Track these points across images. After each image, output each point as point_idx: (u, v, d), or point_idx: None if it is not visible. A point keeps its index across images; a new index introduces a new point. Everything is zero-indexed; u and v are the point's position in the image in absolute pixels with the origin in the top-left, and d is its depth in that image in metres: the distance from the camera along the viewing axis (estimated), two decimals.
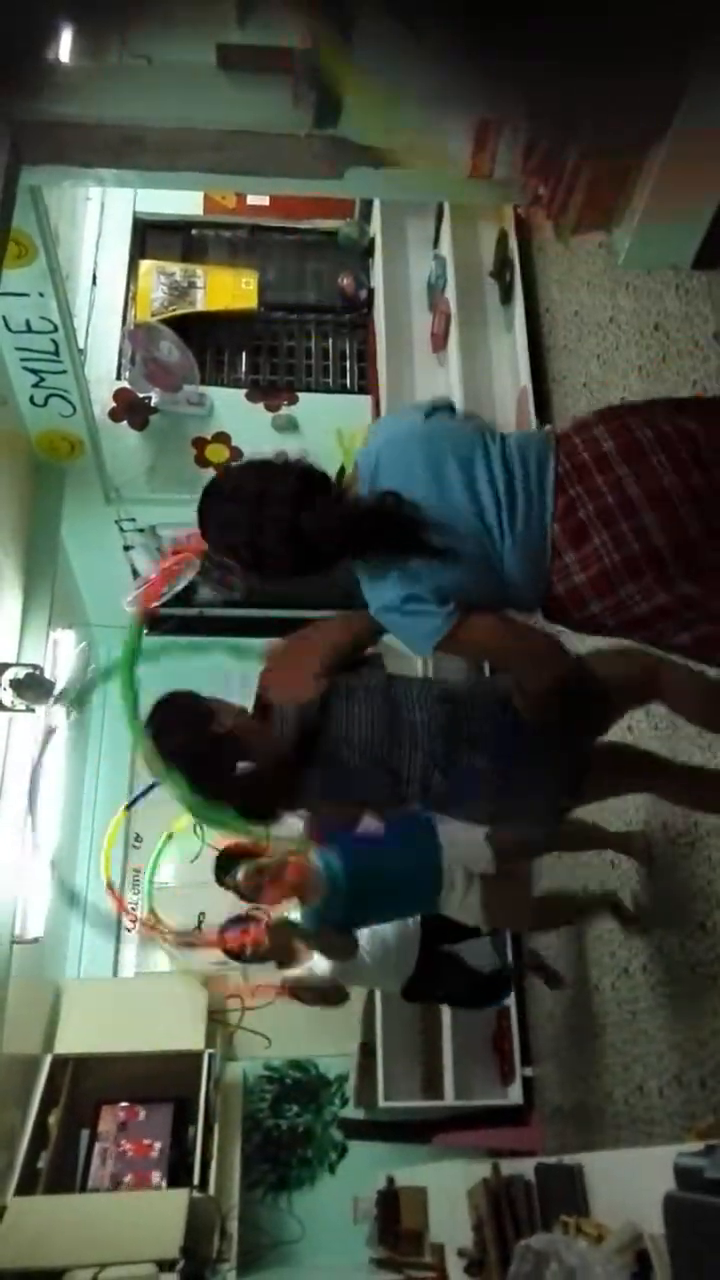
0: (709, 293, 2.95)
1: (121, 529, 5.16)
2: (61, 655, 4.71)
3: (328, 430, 5.02)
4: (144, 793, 3.74)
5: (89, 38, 4.64)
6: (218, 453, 5.16)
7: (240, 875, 3.20)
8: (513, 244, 4.69)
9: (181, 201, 5.36)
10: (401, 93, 2.85)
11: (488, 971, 4.13)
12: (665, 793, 2.71)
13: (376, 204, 5.34)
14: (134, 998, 5.13)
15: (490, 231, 4.90)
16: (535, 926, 3.81)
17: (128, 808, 4.01)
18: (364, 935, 3.70)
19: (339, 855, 3.17)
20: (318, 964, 3.72)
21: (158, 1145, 4.45)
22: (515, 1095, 4.52)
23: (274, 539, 1.73)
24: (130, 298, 5.22)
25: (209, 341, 5.36)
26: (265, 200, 5.39)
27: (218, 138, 3.03)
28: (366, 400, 5.35)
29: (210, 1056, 4.68)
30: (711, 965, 2.87)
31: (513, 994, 4.51)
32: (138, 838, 5.74)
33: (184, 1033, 4.77)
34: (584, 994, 3.89)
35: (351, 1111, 4.87)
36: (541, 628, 1.88)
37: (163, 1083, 4.57)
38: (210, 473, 5.11)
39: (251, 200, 5.40)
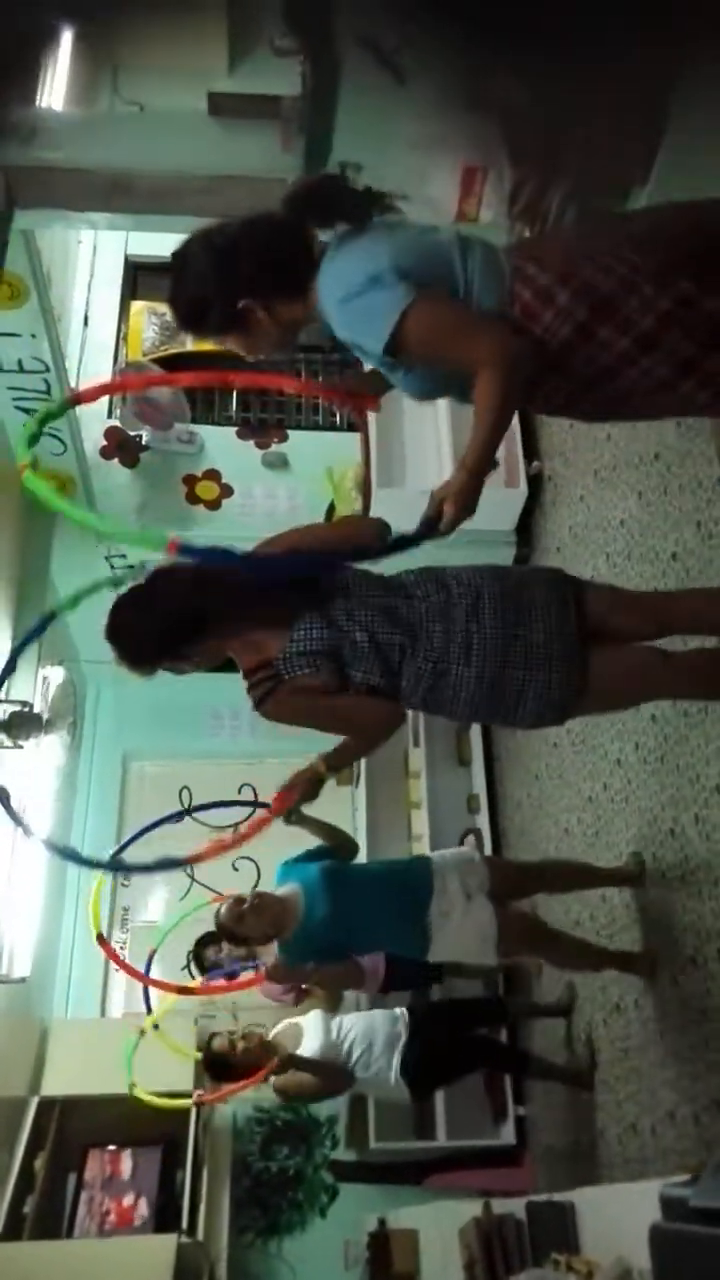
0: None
1: (111, 565, 5.17)
2: (51, 691, 4.70)
3: (318, 467, 5.07)
4: (131, 840, 3.72)
5: (82, 84, 4.74)
6: (208, 489, 5.19)
7: (223, 910, 3.13)
8: None
9: (173, 243, 5.43)
10: (389, 138, 2.92)
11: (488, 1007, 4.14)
12: None
13: None
14: (122, 1038, 5.06)
15: None
16: (545, 948, 3.53)
17: (111, 868, 3.94)
18: (352, 1038, 3.69)
19: (317, 869, 3.14)
20: (307, 1045, 3.67)
21: (145, 1189, 4.38)
22: (508, 1135, 4.48)
23: (251, 241, 1.82)
24: (122, 338, 5.27)
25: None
26: None
27: (208, 182, 3.09)
28: (356, 438, 5.40)
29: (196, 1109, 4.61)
30: (702, 999, 2.86)
31: (505, 1032, 4.49)
32: (126, 879, 5.70)
33: (173, 1074, 4.71)
34: (577, 1032, 3.86)
35: (343, 1153, 4.80)
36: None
37: (151, 1125, 4.49)
38: (201, 509, 5.16)
39: None
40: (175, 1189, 4.36)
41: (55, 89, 3.61)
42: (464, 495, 1.78)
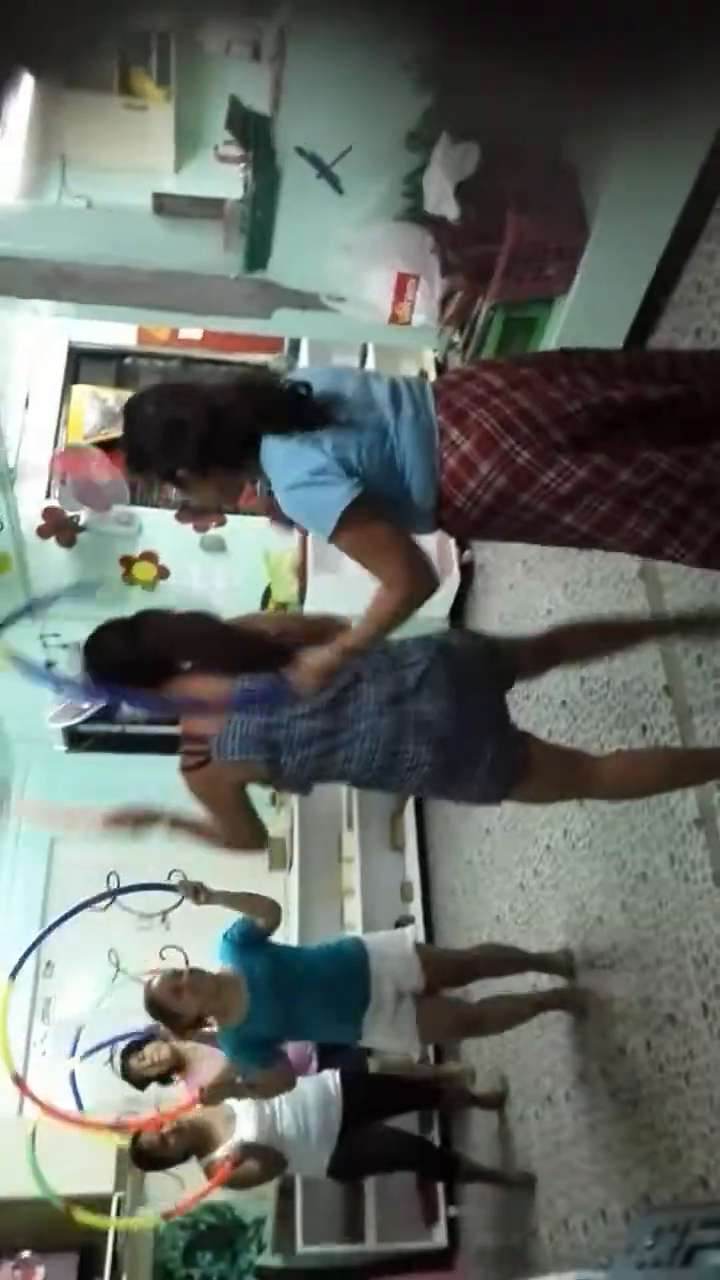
0: None
1: (45, 644, 5.13)
2: None
3: (255, 552, 5.12)
4: (56, 923, 3.62)
5: (31, 176, 4.87)
6: (144, 570, 5.21)
7: (156, 983, 3.00)
8: (432, 378, 4.92)
9: (116, 332, 5.54)
10: (327, 243, 3.05)
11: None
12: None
13: (304, 341, 5.58)
14: (38, 1138, 4.85)
15: (412, 367, 5.15)
16: (475, 1031, 3.62)
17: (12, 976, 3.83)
18: (285, 1116, 3.55)
19: (261, 961, 3.05)
20: (242, 1129, 3.53)
21: None
22: (440, 1237, 4.35)
23: (191, 431, 1.92)
24: (63, 421, 5.33)
25: None
26: (198, 334, 5.59)
27: (152, 277, 3.18)
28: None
29: (119, 1201, 4.41)
30: (632, 1091, 2.85)
31: (436, 1130, 4.40)
32: (49, 965, 5.54)
33: (92, 1175, 4.51)
34: (507, 1125, 3.81)
35: (269, 1258, 4.61)
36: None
37: (67, 1231, 4.28)
38: (138, 590, 5.17)
39: (184, 334, 5.60)
40: None
41: (4, 181, 3.73)
42: (325, 668, 2.03)
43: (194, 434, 1.92)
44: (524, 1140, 3.65)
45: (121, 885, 5.50)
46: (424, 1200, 4.47)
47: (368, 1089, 3.80)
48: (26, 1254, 4.28)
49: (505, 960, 3.53)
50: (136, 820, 2.41)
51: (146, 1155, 3.59)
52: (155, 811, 2.41)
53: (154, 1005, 3.03)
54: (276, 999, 2.98)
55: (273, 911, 3.14)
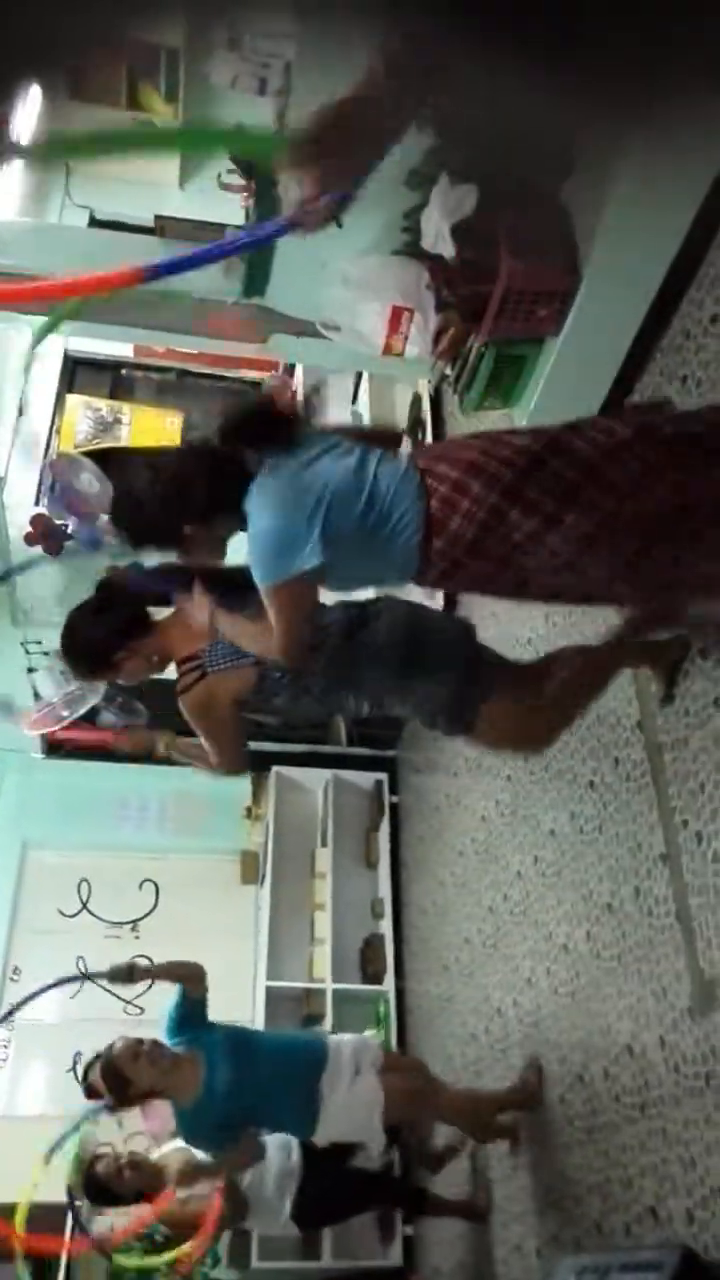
0: None
1: (27, 651, 5.15)
2: None
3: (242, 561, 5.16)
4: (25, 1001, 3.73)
5: (35, 187, 4.90)
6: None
7: (118, 1046, 3.02)
8: (425, 406, 4.99)
9: (112, 343, 5.58)
10: (325, 274, 3.10)
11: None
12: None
13: (299, 364, 5.65)
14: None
15: (405, 393, 5.22)
16: (432, 1112, 3.55)
17: None
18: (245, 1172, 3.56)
19: (216, 1038, 3.10)
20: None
21: None
22: (395, 1256, 4.39)
23: (183, 478, 2.05)
24: (55, 429, 5.36)
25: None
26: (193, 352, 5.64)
27: (151, 298, 3.22)
28: None
29: (75, 1208, 4.41)
30: (587, 1119, 2.90)
31: (396, 1156, 4.41)
32: (15, 970, 5.53)
33: (49, 1182, 4.50)
34: (467, 1149, 3.84)
35: (224, 1274, 4.62)
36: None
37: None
38: None
39: (180, 347, 5.64)
40: None
41: (8, 196, 3.77)
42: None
43: (203, 483, 2.05)
44: (480, 1163, 3.69)
45: (88, 898, 5.54)
46: (381, 1220, 4.50)
47: (328, 1155, 3.66)
48: None
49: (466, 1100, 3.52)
50: (137, 741, 2.64)
51: (99, 1187, 3.51)
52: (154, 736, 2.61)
53: (110, 1068, 3.01)
54: (237, 1071, 3.01)
55: (199, 977, 3.18)
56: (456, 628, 2.61)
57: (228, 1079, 2.99)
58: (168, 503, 2.07)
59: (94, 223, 5.26)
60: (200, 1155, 3.36)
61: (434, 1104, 3.40)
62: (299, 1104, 3.13)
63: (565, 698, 2.54)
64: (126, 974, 3.13)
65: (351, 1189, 3.81)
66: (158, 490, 2.08)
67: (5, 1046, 5.30)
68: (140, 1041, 3.02)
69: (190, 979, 3.15)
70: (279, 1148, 3.64)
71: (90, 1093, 3.11)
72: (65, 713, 5.08)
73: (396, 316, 2.94)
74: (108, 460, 2.14)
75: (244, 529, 2.08)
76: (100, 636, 2.41)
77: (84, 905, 5.61)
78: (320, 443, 2.10)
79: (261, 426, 2.09)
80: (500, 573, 2.06)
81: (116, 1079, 3.00)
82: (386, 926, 5.24)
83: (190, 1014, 3.14)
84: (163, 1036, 3.13)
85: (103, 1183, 3.47)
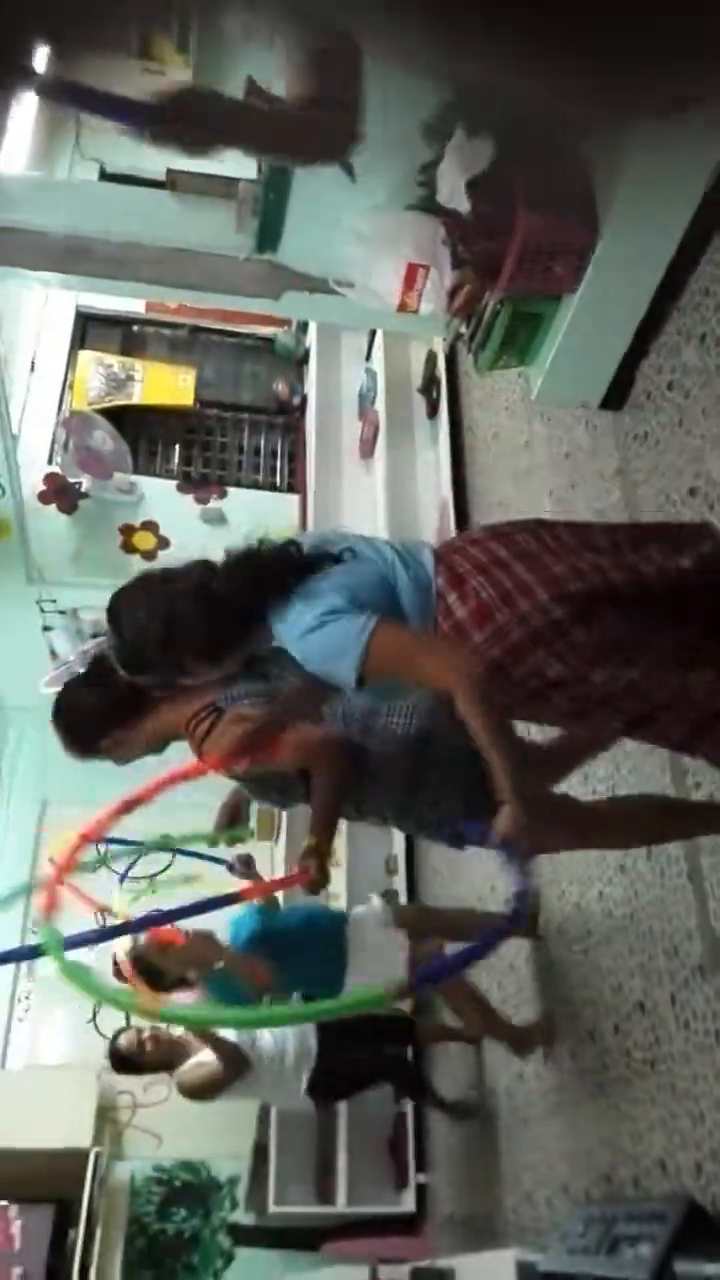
0: (613, 431, 3.17)
1: (42, 609, 5.17)
2: None
3: (254, 525, 5.10)
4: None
5: (44, 141, 4.82)
6: (144, 540, 5.24)
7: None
8: (440, 364, 4.95)
9: (124, 299, 5.54)
10: (338, 229, 3.05)
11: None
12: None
13: (312, 322, 5.59)
14: (19, 1091, 4.97)
15: (420, 350, 5.17)
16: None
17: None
18: (265, 1044, 3.70)
19: (245, 910, 3.25)
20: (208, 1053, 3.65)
21: (34, 1251, 4.28)
22: (408, 1203, 4.48)
23: (192, 630, 1.82)
24: (67, 386, 5.34)
25: (143, 433, 5.49)
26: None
27: (161, 254, 3.19)
28: (294, 499, 5.52)
29: (97, 1155, 4.53)
30: (599, 1073, 2.95)
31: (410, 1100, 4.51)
32: (36, 923, 5.62)
33: (70, 1130, 4.63)
34: (480, 1099, 3.91)
35: (242, 1216, 4.75)
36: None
37: (44, 1182, 4.41)
38: (136, 559, 5.21)
39: (192, 303, 5.59)
40: (66, 1250, 4.27)
41: (17, 149, 3.72)
42: (515, 821, 1.75)
43: (197, 622, 1.82)
44: (493, 1111, 3.76)
45: (106, 854, 5.57)
46: (395, 1166, 4.60)
47: (345, 1034, 3.86)
48: (2, 1204, 4.40)
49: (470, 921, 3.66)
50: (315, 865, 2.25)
51: (122, 1058, 3.67)
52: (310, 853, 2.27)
53: (141, 961, 3.16)
54: (261, 924, 3.22)
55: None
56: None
57: (251, 928, 3.17)
58: (167, 646, 1.86)
59: (104, 176, 5.19)
60: None
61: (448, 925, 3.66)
62: (328, 956, 3.32)
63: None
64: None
65: (362, 1064, 3.99)
66: (154, 629, 1.85)
67: (27, 998, 5.41)
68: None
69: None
70: (296, 1030, 3.80)
71: (117, 974, 3.25)
72: (81, 669, 5.11)
73: (411, 273, 2.89)
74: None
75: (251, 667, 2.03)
76: (87, 718, 2.25)
77: (102, 860, 5.68)
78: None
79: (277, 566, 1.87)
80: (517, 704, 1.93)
81: (148, 971, 3.15)
82: (400, 884, 5.28)
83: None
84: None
85: (125, 1053, 3.64)
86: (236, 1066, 3.66)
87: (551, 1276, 1.09)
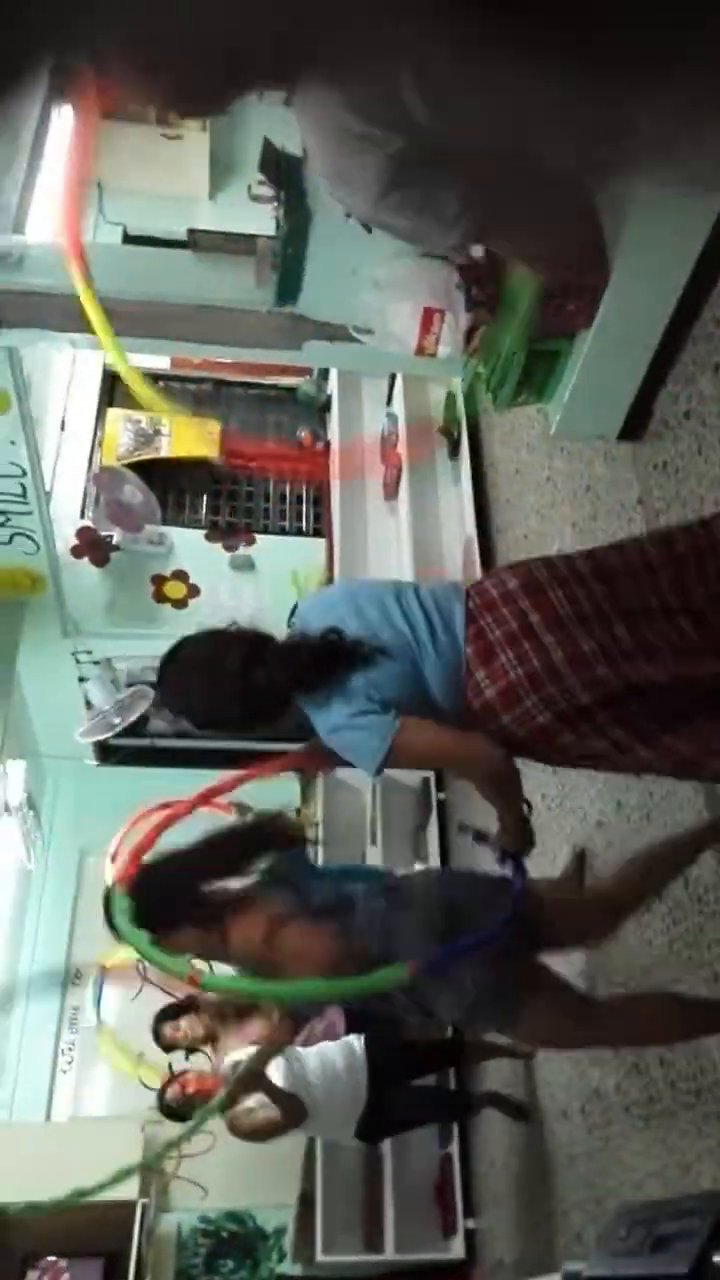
0: (633, 462, 3.22)
1: (77, 661, 5.26)
2: (11, 785, 4.74)
3: (283, 570, 5.24)
4: None
5: None
6: (175, 589, 5.33)
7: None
8: (460, 404, 5.03)
9: (150, 356, 5.69)
10: (355, 279, 3.15)
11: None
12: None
13: (334, 369, 5.72)
14: (66, 1143, 4.95)
15: (439, 392, 5.26)
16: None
17: None
18: (313, 1071, 3.66)
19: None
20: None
21: None
22: (457, 1249, 4.41)
23: (230, 700, 1.95)
24: (97, 442, 5.47)
25: (171, 484, 5.60)
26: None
27: (186, 311, 3.30)
28: (321, 543, 5.60)
29: (144, 1208, 4.51)
30: (644, 1107, 2.91)
31: (456, 1140, 4.46)
32: (77, 973, 5.65)
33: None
34: (526, 1138, 3.87)
35: (289, 1267, 4.69)
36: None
37: (93, 1236, 4.38)
38: (168, 608, 5.30)
39: (216, 357, 5.74)
40: None
41: (44, 217, 3.87)
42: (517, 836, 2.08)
43: (234, 700, 1.94)
44: (541, 1150, 3.71)
45: None
46: (442, 1212, 4.53)
47: (393, 1053, 3.86)
48: (53, 1259, 4.37)
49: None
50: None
51: (171, 1110, 3.71)
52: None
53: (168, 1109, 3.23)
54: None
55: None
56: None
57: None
58: (207, 707, 2.02)
59: (127, 239, 5.36)
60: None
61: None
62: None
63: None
64: None
65: (412, 1102, 3.98)
66: (198, 692, 2.00)
67: (71, 1049, 5.42)
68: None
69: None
70: (347, 1066, 3.75)
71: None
72: (117, 720, 5.19)
73: (428, 317, 2.98)
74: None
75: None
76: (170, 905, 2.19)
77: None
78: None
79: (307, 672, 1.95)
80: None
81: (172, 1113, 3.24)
82: None
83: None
84: None
85: (174, 1108, 3.69)
86: (295, 1116, 3.58)
87: None
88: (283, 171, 3.00)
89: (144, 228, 5.41)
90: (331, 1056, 3.75)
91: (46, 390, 5.26)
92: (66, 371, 5.47)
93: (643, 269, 2.82)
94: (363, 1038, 3.84)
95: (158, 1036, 3.88)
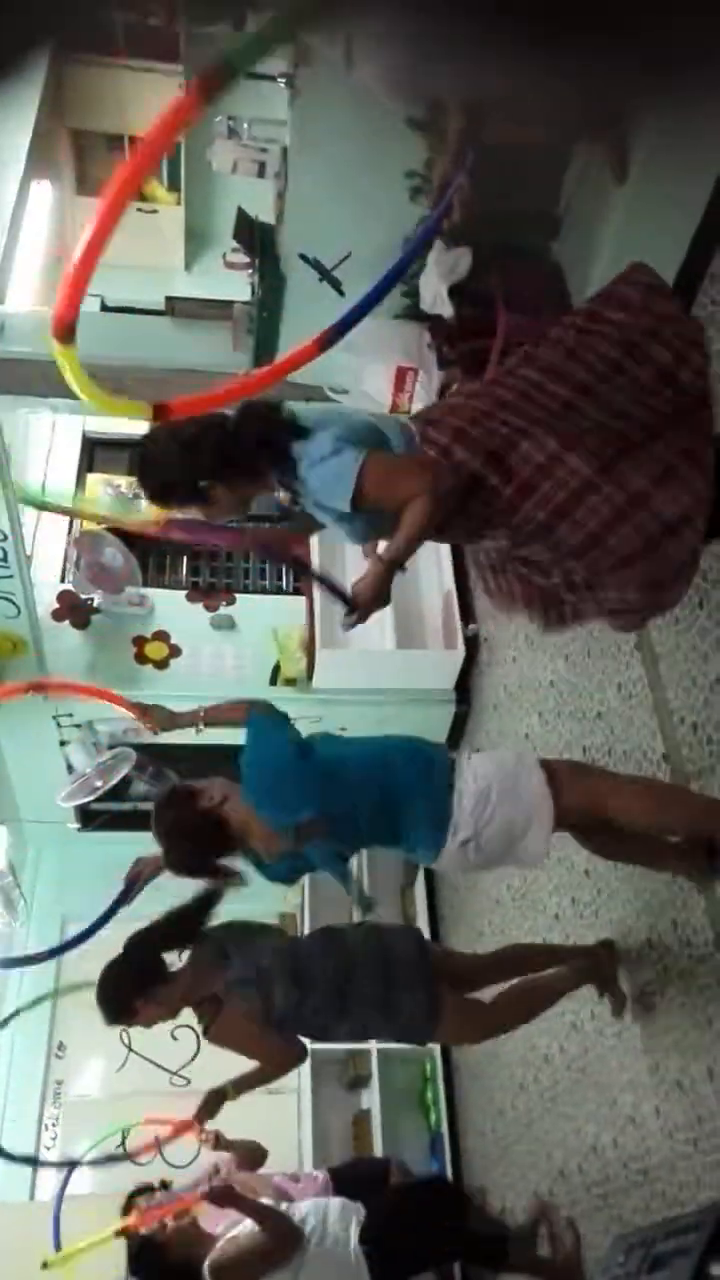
0: None
1: (58, 724, 5.23)
2: None
3: (264, 629, 5.25)
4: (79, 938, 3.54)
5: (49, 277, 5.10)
6: (157, 650, 5.33)
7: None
8: None
9: (129, 422, 5.76)
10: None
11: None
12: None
13: None
14: (49, 1224, 4.80)
15: None
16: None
17: None
18: (305, 1223, 3.06)
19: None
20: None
21: None
22: None
23: (209, 452, 2.17)
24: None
25: (152, 547, 5.63)
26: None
27: (164, 375, 3.37)
28: (301, 600, 5.63)
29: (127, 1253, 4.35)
30: (643, 1159, 2.87)
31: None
32: (61, 1046, 5.52)
33: (102, 1263, 4.45)
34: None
35: None
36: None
37: None
38: (149, 669, 5.29)
39: None
40: None
41: (23, 288, 3.96)
42: (376, 584, 2.19)
43: (212, 443, 2.16)
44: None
45: None
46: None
47: (393, 1234, 3.20)
48: None
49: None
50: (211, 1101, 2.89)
51: (146, 1261, 3.16)
52: (216, 1094, 2.88)
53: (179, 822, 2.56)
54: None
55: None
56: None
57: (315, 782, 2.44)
58: (183, 460, 2.19)
59: (105, 309, 5.46)
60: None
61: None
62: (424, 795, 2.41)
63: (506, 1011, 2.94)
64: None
65: (412, 1251, 3.31)
66: (174, 450, 2.19)
67: (54, 1125, 5.28)
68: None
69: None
70: (338, 1215, 3.17)
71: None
72: (99, 783, 5.15)
73: (401, 376, 3.06)
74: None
75: (268, 490, 2.29)
76: (123, 989, 2.62)
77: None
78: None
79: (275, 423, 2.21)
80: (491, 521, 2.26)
81: (195, 835, 2.55)
82: (420, 912, 5.21)
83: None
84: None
85: (147, 1253, 3.17)
86: (290, 1243, 2.96)
87: None
88: (256, 238, 3.09)
89: (121, 299, 5.52)
90: (325, 1209, 3.18)
91: (26, 456, 5.31)
92: (47, 438, 5.53)
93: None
94: (362, 1209, 3.20)
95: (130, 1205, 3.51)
